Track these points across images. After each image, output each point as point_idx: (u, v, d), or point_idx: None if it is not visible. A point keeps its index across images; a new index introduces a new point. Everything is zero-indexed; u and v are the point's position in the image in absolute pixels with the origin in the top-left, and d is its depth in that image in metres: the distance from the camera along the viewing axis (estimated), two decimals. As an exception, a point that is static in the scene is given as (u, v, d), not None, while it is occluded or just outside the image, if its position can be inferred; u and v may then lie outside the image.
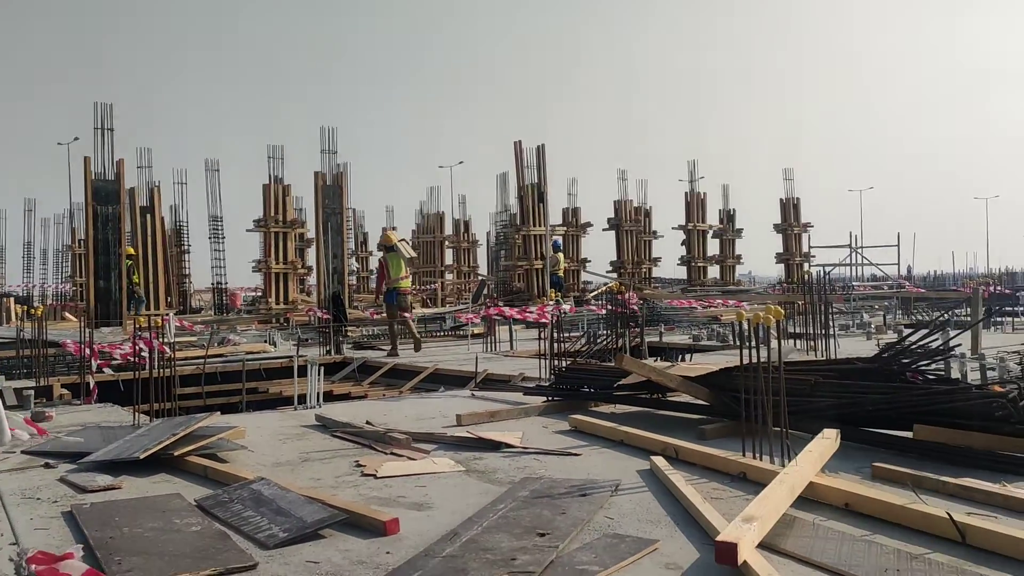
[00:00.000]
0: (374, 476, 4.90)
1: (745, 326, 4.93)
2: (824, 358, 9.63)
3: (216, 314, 23.56)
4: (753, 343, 4.76)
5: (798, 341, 11.52)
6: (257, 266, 22.00)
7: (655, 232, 30.54)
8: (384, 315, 14.35)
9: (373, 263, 39.38)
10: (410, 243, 35.45)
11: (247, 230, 22.23)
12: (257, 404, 10.35)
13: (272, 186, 21.23)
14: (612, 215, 28.75)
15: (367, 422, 6.55)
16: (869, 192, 62.26)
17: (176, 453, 5.20)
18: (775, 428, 4.67)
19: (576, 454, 5.37)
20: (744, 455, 4.75)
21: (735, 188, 31.68)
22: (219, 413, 6.66)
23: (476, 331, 15.20)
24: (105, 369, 9.24)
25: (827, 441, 4.72)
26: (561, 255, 24.76)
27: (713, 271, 30.72)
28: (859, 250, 33.04)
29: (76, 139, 27.05)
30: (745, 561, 3.05)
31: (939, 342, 5.99)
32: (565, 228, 27.85)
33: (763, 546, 3.34)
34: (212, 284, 25.02)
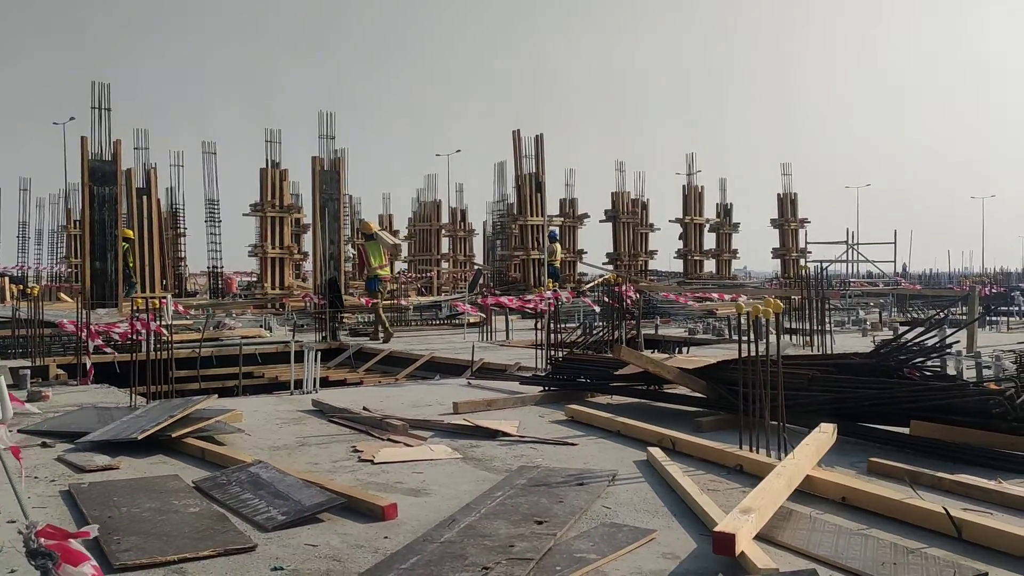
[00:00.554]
0: (371, 461, 4.91)
1: (743, 319, 4.94)
2: (820, 353, 9.66)
3: (212, 298, 23.50)
4: (751, 336, 4.77)
5: (794, 336, 11.54)
6: (253, 251, 21.94)
7: (652, 225, 30.50)
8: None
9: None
10: (398, 232, 35.71)
11: (244, 214, 22.15)
12: (253, 388, 10.34)
13: (269, 170, 21.16)
14: (609, 207, 28.72)
15: (364, 408, 6.55)
16: (866, 189, 62.22)
17: (174, 435, 5.20)
18: (772, 422, 4.68)
19: (573, 444, 5.38)
20: (741, 448, 4.77)
21: (733, 182, 31.73)
22: (216, 396, 6.66)
23: (472, 320, 15.21)
24: (105, 349, 9.22)
25: (824, 435, 4.74)
26: (558, 245, 24.76)
27: (709, 265, 30.75)
28: (855, 247, 33.08)
29: (72, 119, 26.81)
30: (743, 552, 3.07)
31: (936, 340, 6.02)
32: (562, 219, 27.82)
33: (760, 538, 3.35)
34: (208, 268, 24.94)
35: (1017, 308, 16.93)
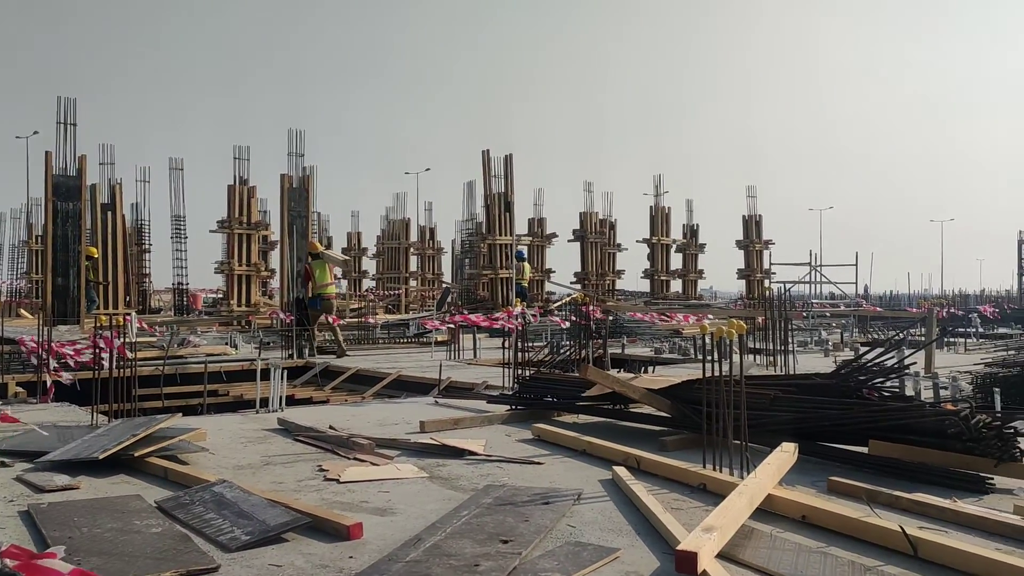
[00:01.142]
0: (337, 481, 4.90)
1: (708, 340, 5.02)
2: (783, 373, 9.80)
3: (176, 315, 23.22)
4: (715, 356, 4.85)
5: (758, 356, 11.70)
6: (220, 267, 21.73)
7: (619, 245, 30.76)
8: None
9: (337, 268, 39.11)
10: (366, 249, 35.72)
11: (210, 231, 21.94)
12: (217, 407, 10.25)
13: (237, 187, 21.00)
14: (577, 226, 28.92)
15: (330, 427, 6.53)
16: (829, 211, 63.26)
17: (136, 454, 5.14)
18: (735, 441, 4.76)
19: (539, 463, 5.41)
20: (705, 467, 4.83)
21: (699, 203, 32.12)
22: (180, 414, 6.59)
23: (440, 338, 15.20)
24: (62, 375, 9.08)
25: (785, 454, 4.81)
26: (526, 264, 24.85)
27: (676, 285, 31.02)
28: (818, 268, 33.63)
29: (36, 133, 26.49)
30: (704, 570, 3.11)
31: (894, 360, 6.15)
32: (531, 238, 27.96)
33: (722, 556, 3.40)
34: (173, 284, 24.62)
35: (974, 330, 17.30)
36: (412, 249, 34.30)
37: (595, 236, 28.83)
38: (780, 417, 5.43)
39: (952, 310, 20.69)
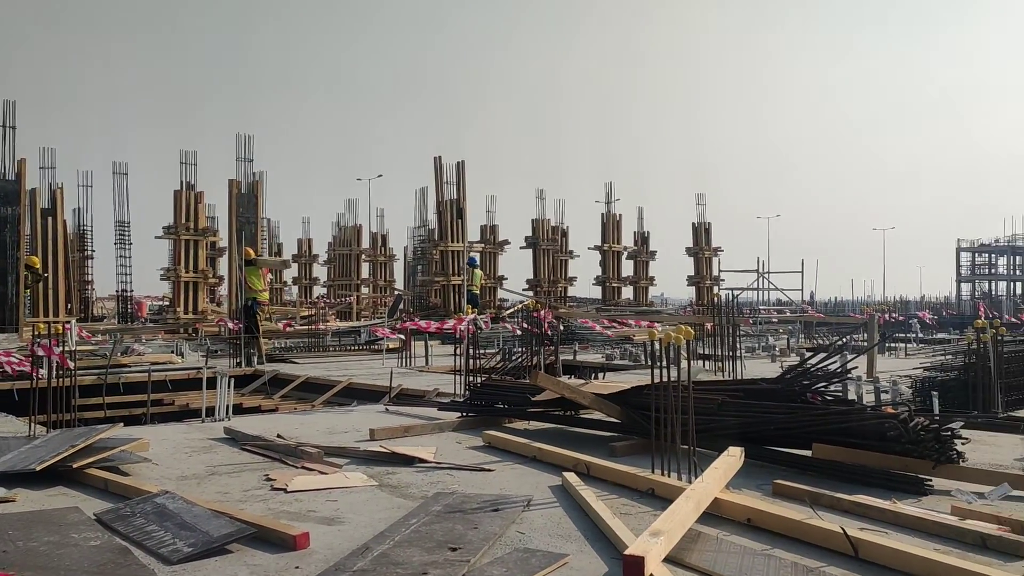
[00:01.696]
0: (284, 490, 4.83)
1: (657, 346, 5.07)
2: (731, 379, 9.94)
3: (120, 323, 22.71)
4: (664, 363, 4.89)
5: (707, 362, 11.84)
6: (166, 274, 21.34)
7: (571, 252, 30.92)
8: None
9: (287, 275, 38.67)
10: (317, 256, 35.54)
11: (156, 237, 21.54)
12: (162, 416, 10.02)
13: (184, 192, 20.64)
14: (530, 233, 29.01)
15: (278, 435, 6.44)
16: (776, 219, 64.50)
17: (75, 465, 5.01)
18: (683, 446, 4.81)
19: (489, 470, 5.39)
20: (653, 472, 4.87)
21: (650, 211, 32.46)
22: (121, 425, 6.44)
23: (392, 346, 15.10)
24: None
25: (732, 459, 4.88)
26: (479, 271, 24.85)
27: (627, 292, 31.31)
28: (766, 275, 34.18)
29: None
30: (652, 574, 3.14)
31: (837, 365, 6.28)
32: (483, 245, 27.96)
33: (669, 560, 3.43)
34: (117, 292, 24.12)
35: (914, 335, 17.77)
36: (364, 256, 34.06)
37: (547, 243, 28.94)
38: (727, 422, 5.50)
39: (893, 316, 21.20)
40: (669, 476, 4.77)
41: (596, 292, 31.32)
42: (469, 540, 3.76)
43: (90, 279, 25.92)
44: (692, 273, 32.30)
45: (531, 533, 3.95)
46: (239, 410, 9.31)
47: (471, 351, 8.89)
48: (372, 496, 4.74)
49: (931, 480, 4.73)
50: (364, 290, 33.57)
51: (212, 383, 8.00)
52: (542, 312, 11.67)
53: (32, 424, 6.59)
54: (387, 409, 8.34)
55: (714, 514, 4.13)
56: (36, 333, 7.46)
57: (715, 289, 30.56)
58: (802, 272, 32.28)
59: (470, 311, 21.46)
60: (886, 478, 4.80)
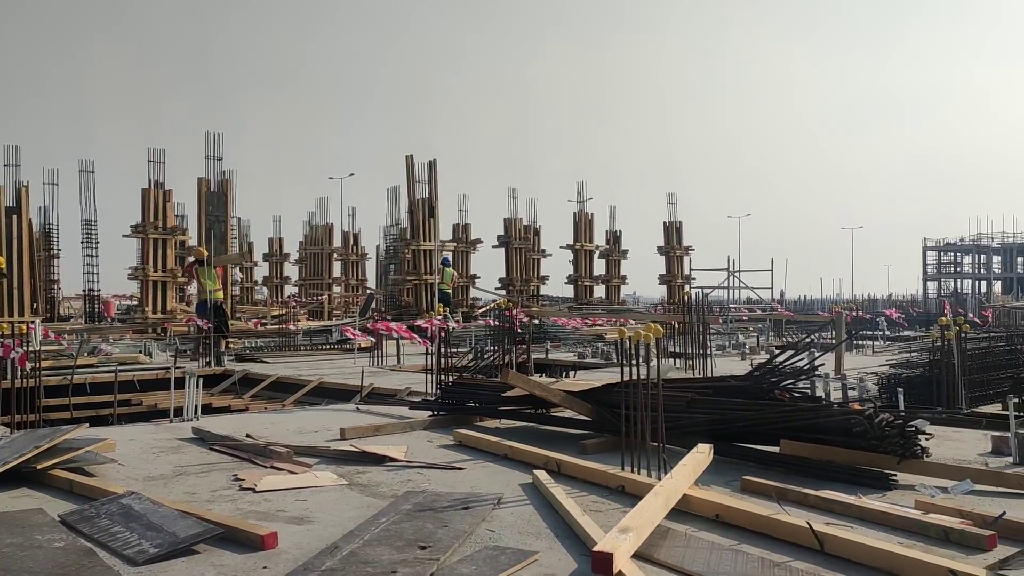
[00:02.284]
0: (253, 490, 4.79)
1: (627, 344, 5.09)
2: (701, 376, 10.02)
3: (87, 322, 22.37)
4: (634, 360, 4.92)
5: (677, 360, 11.92)
6: (134, 273, 21.06)
7: (544, 251, 30.99)
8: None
9: (258, 274, 38.37)
10: (288, 255, 35.42)
11: (124, 235, 21.23)
12: (130, 417, 9.91)
13: (152, 191, 20.38)
14: (502, 232, 29.03)
15: (247, 435, 6.39)
16: (747, 219, 65.10)
17: (39, 467, 4.93)
18: (653, 443, 4.84)
19: (460, 468, 5.39)
20: (623, 469, 4.90)
21: (622, 210, 32.63)
22: (87, 425, 6.35)
23: (363, 345, 15.03)
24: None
25: (701, 455, 4.91)
26: (451, 270, 24.81)
27: (599, 290, 31.43)
28: (736, 274, 34.54)
29: (-65, 133, 25.23)
30: (620, 571, 3.15)
31: (805, 363, 6.35)
32: (455, 244, 27.92)
33: (638, 556, 3.46)
34: (84, 291, 23.74)
35: (882, 332, 18.01)
36: (336, 255, 33.90)
37: (520, 242, 28.99)
38: (697, 419, 5.55)
39: (861, 314, 21.49)
40: (639, 473, 4.80)
41: (568, 291, 31.42)
42: (439, 538, 3.75)
43: (56, 278, 25.53)
44: (664, 272, 32.49)
45: (501, 531, 3.96)
46: (208, 410, 9.22)
47: (443, 350, 8.88)
48: (342, 495, 4.72)
49: (896, 475, 4.81)
50: (336, 289, 33.41)
51: (181, 383, 7.92)
52: (514, 311, 11.69)
53: (-5, 425, 6.48)
54: (358, 408, 8.31)
55: (683, 510, 4.16)
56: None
57: (686, 288, 30.81)
58: (772, 271, 32.69)
59: (442, 310, 21.44)
60: (852, 473, 4.87)
